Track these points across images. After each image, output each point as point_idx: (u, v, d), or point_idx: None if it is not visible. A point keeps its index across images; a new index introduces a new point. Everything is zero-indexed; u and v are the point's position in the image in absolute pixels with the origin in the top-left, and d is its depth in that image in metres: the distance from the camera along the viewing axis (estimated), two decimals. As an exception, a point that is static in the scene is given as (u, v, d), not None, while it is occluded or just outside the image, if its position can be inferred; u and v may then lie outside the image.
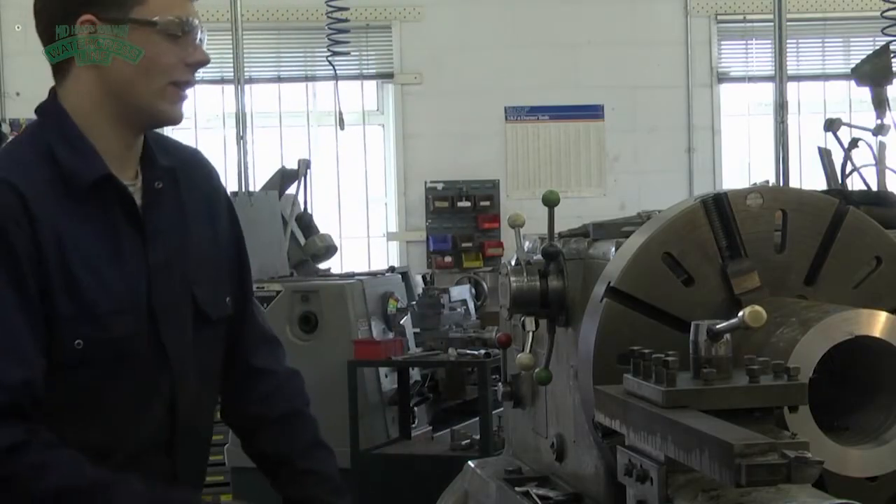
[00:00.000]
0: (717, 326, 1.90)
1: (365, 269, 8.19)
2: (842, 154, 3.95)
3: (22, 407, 1.99)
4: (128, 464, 2.11)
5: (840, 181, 3.87)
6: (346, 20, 7.31)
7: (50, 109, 2.17)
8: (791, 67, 7.18)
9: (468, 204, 9.13)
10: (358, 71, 9.08)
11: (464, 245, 9.19)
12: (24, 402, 1.99)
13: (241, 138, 6.78)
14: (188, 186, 2.26)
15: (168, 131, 7.95)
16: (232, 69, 6.64)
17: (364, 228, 9.48)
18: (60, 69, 2.15)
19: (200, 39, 2.18)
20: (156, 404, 2.17)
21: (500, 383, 2.88)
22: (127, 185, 2.15)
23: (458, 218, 9.20)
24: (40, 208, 2.04)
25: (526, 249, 2.58)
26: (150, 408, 2.16)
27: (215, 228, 2.31)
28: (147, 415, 2.16)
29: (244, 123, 6.75)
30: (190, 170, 2.29)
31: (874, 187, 3.91)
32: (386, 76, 9.12)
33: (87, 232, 2.08)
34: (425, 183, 9.15)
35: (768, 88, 7.97)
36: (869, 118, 4.78)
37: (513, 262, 2.48)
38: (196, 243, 2.25)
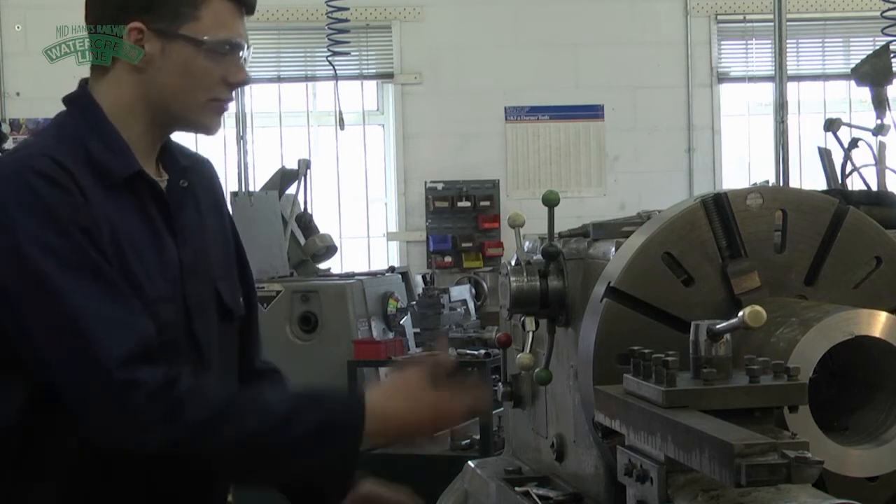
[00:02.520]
0: (717, 326, 1.90)
1: (365, 269, 8.19)
2: (842, 154, 3.95)
3: (152, 347, 2.00)
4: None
5: (840, 181, 3.87)
6: (346, 20, 7.31)
7: (82, 102, 2.17)
8: (791, 67, 7.18)
9: (468, 204, 9.13)
10: (358, 71, 9.08)
11: (464, 245, 9.19)
12: (151, 341, 2.01)
13: (241, 138, 6.78)
14: (201, 188, 2.28)
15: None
16: (232, 69, 6.65)
17: (364, 228, 9.48)
18: (98, 53, 2.16)
19: (245, 59, 2.18)
20: None
21: (500, 383, 2.88)
22: (157, 181, 2.17)
23: (458, 218, 9.20)
24: (90, 191, 2.04)
25: (526, 249, 2.58)
26: None
27: (224, 230, 2.33)
28: None
29: (244, 123, 6.76)
30: (200, 172, 2.31)
31: (874, 187, 3.91)
32: (386, 76, 9.12)
33: (128, 221, 2.09)
34: (425, 183, 9.15)
35: (768, 88, 7.97)
36: (869, 118, 4.78)
37: (513, 262, 2.48)
38: (213, 242, 2.26)
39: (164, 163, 2.22)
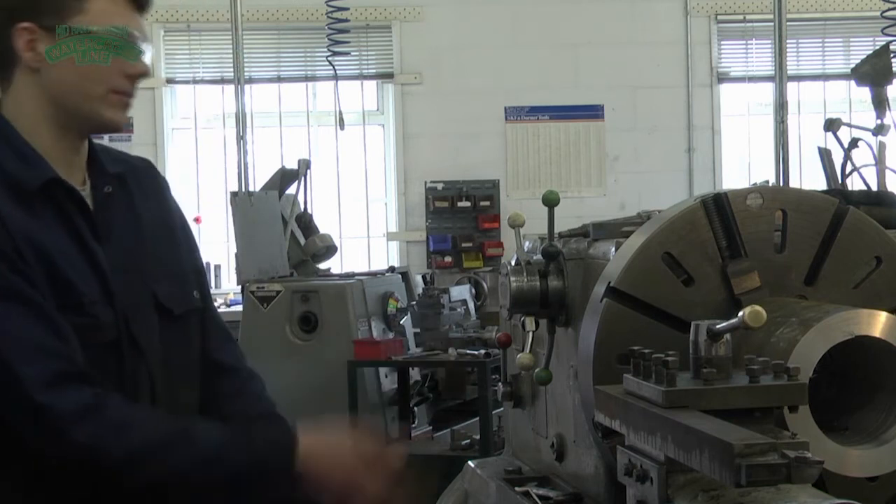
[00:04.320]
0: (717, 326, 1.90)
1: (365, 269, 8.19)
2: (842, 154, 3.94)
3: (85, 372, 2.02)
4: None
5: (840, 181, 3.87)
6: (346, 20, 7.31)
7: None
8: (791, 67, 7.18)
9: (468, 204, 9.13)
10: (358, 71, 9.08)
11: (464, 245, 9.19)
12: (78, 365, 2.02)
13: (241, 138, 6.78)
14: (140, 192, 2.28)
15: (168, 132, 7.92)
16: (232, 69, 6.65)
17: (364, 228, 9.48)
18: (4, 72, 2.16)
19: (142, 51, 2.19)
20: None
21: (500, 383, 2.88)
22: (78, 189, 2.17)
23: (458, 218, 9.20)
24: (4, 211, 2.05)
25: (526, 249, 2.58)
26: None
27: (170, 231, 2.34)
28: None
29: (244, 123, 6.76)
30: (140, 177, 2.32)
31: (874, 187, 3.91)
32: (386, 76, 9.12)
33: (49, 232, 2.10)
34: (425, 183, 9.15)
35: (768, 88, 7.97)
36: (869, 118, 4.78)
37: (513, 262, 2.48)
38: (152, 244, 2.26)
39: (90, 170, 2.23)
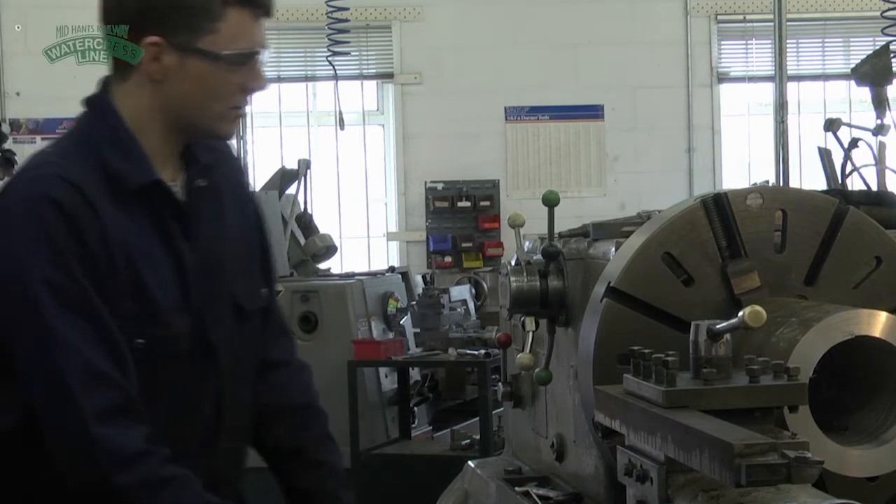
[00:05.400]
0: (717, 326, 1.90)
1: (365, 269, 8.19)
2: (842, 154, 3.94)
3: (136, 405, 2.01)
4: (174, 460, 2.11)
5: (840, 181, 3.87)
6: (346, 20, 7.32)
7: (101, 107, 2.16)
8: (791, 67, 7.18)
9: (468, 204, 9.13)
10: (358, 71, 9.08)
11: (464, 245, 9.19)
12: (135, 399, 2.01)
13: (241, 138, 6.78)
14: (223, 181, 2.26)
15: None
16: (232, 69, 6.66)
17: (364, 228, 9.48)
18: (121, 69, 2.13)
19: (263, 63, 2.16)
20: (204, 401, 2.17)
21: (500, 383, 2.88)
22: (171, 185, 2.15)
23: (458, 218, 9.20)
24: (103, 210, 2.04)
25: (526, 249, 2.58)
26: (199, 404, 2.17)
27: (246, 221, 2.31)
28: (196, 411, 2.17)
29: (244, 123, 6.75)
30: (223, 164, 2.29)
31: (874, 187, 3.91)
32: (386, 76, 9.13)
33: (142, 233, 2.09)
34: (425, 183, 9.16)
35: (768, 88, 7.97)
36: (869, 118, 4.78)
37: (513, 262, 2.48)
38: (233, 237, 2.25)
39: (185, 160, 2.20)
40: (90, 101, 2.19)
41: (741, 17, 9.16)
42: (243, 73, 2.12)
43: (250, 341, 2.29)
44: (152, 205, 2.11)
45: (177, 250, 2.12)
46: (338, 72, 7.66)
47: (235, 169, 2.36)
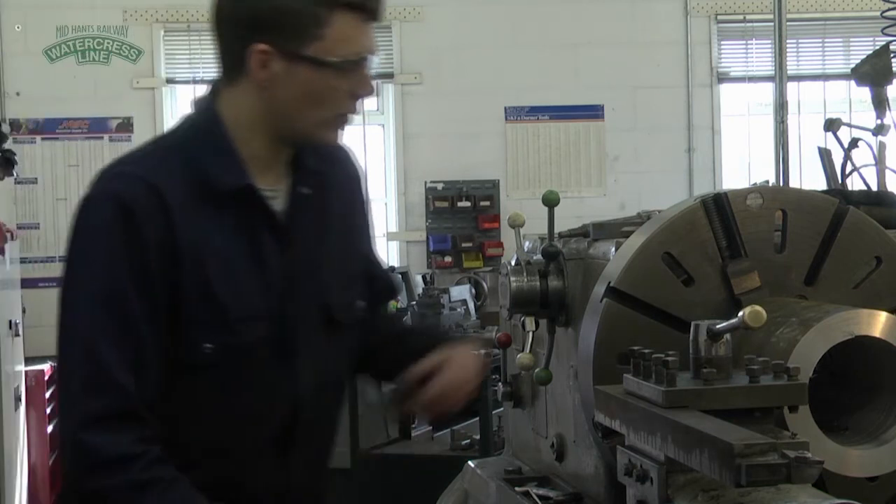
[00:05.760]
0: (717, 326, 1.90)
1: (365, 268, 8.16)
2: (842, 154, 3.94)
3: (136, 411, 2.00)
4: (242, 466, 2.12)
5: (840, 181, 3.87)
6: (346, 20, 7.31)
7: (206, 111, 2.14)
8: (791, 67, 7.17)
9: (468, 204, 9.12)
10: (358, 71, 9.09)
11: (464, 245, 9.19)
12: (138, 405, 2.00)
13: (241, 138, 6.78)
14: (334, 190, 2.24)
15: (166, 129, 7.84)
16: (232, 69, 6.66)
17: (364, 228, 9.45)
18: (229, 75, 2.12)
19: (370, 68, 2.15)
20: (278, 409, 2.15)
21: (500, 383, 2.89)
22: (268, 192, 2.13)
23: (458, 218, 9.20)
24: (180, 212, 2.02)
25: (526, 249, 2.58)
26: (271, 412, 2.15)
27: (352, 232, 2.29)
28: (268, 419, 2.15)
29: (244, 123, 6.75)
30: (339, 172, 2.27)
31: (874, 187, 3.91)
32: (386, 76, 9.12)
33: (225, 237, 2.07)
34: (425, 183, 9.15)
35: (768, 88, 7.97)
36: (869, 118, 4.78)
37: (513, 262, 2.48)
38: (334, 249, 2.22)
39: (293, 167, 2.18)
40: (197, 102, 2.18)
41: (741, 17, 9.16)
42: (350, 78, 2.10)
43: (341, 353, 2.27)
44: (243, 210, 2.09)
45: (263, 257, 2.10)
46: (338, 72, 7.65)
47: (351, 178, 2.32)
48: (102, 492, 1.99)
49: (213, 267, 2.05)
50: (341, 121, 2.16)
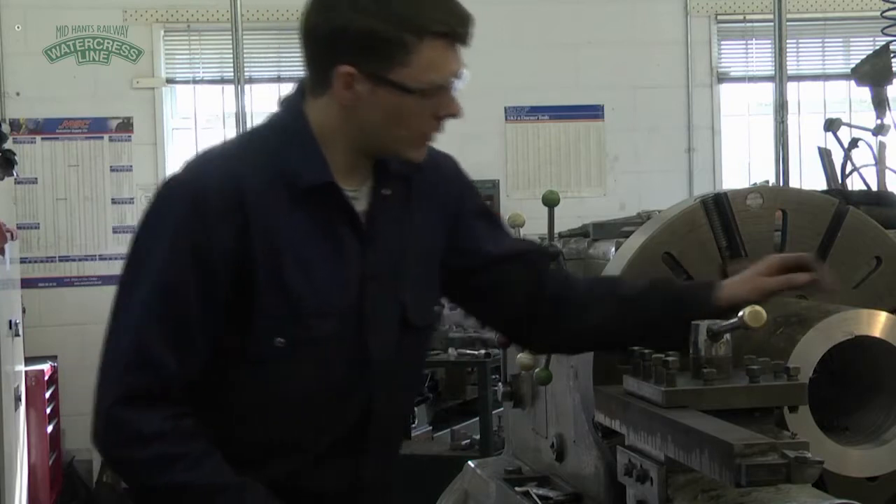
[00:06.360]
0: (717, 326, 1.90)
1: (365, 269, 8.15)
2: (842, 154, 3.94)
3: (173, 391, 2.02)
4: (313, 462, 2.12)
5: (840, 181, 3.87)
6: (346, 20, 7.32)
7: (291, 109, 2.16)
8: (791, 67, 7.17)
9: (468, 204, 9.11)
10: (358, 71, 9.10)
11: (464, 245, 9.17)
12: (174, 386, 2.02)
13: (241, 138, 6.78)
14: (419, 191, 2.22)
15: (168, 132, 7.84)
16: (232, 69, 6.65)
17: (364, 228, 9.45)
18: (314, 84, 2.11)
19: (457, 89, 2.12)
20: (350, 406, 2.15)
21: (500, 383, 2.89)
22: (350, 192, 2.13)
23: (458, 218, 9.19)
24: (260, 207, 2.04)
25: (526, 249, 2.57)
26: (343, 409, 2.15)
27: (437, 235, 2.26)
28: (339, 416, 2.15)
29: (244, 123, 6.75)
30: (426, 174, 2.25)
31: (874, 187, 3.91)
32: (386, 76, 9.13)
33: (304, 233, 2.07)
34: (425, 183, 9.14)
35: (768, 88, 7.96)
36: (869, 118, 4.78)
37: (513, 262, 2.47)
38: (414, 251, 2.21)
39: (377, 167, 2.18)
40: (284, 101, 2.19)
41: (741, 17, 9.15)
42: (436, 101, 2.09)
43: (415, 353, 2.27)
44: (324, 207, 2.09)
45: (341, 255, 2.10)
46: (338, 72, 7.66)
47: (445, 180, 2.31)
48: (132, 463, 2.03)
49: (289, 262, 2.06)
50: (424, 139, 2.16)
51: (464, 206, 2.31)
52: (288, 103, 2.18)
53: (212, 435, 2.05)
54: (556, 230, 2.52)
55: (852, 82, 5.95)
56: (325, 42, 2.07)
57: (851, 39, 9.35)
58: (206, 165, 2.11)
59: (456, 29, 2.08)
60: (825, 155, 3.96)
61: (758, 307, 1.88)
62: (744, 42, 9.28)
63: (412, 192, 2.21)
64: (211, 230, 2.01)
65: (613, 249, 2.38)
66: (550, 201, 2.48)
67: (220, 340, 2.06)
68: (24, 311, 6.80)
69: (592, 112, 9.20)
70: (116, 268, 7.85)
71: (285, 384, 2.09)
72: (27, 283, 7.26)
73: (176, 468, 2.00)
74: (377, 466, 2.23)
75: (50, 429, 6.98)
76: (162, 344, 2.01)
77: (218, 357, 2.06)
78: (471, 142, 9.08)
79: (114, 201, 7.81)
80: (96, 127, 7.87)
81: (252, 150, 2.12)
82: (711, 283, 2.18)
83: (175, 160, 8.18)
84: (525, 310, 2.27)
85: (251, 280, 2.03)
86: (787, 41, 5.59)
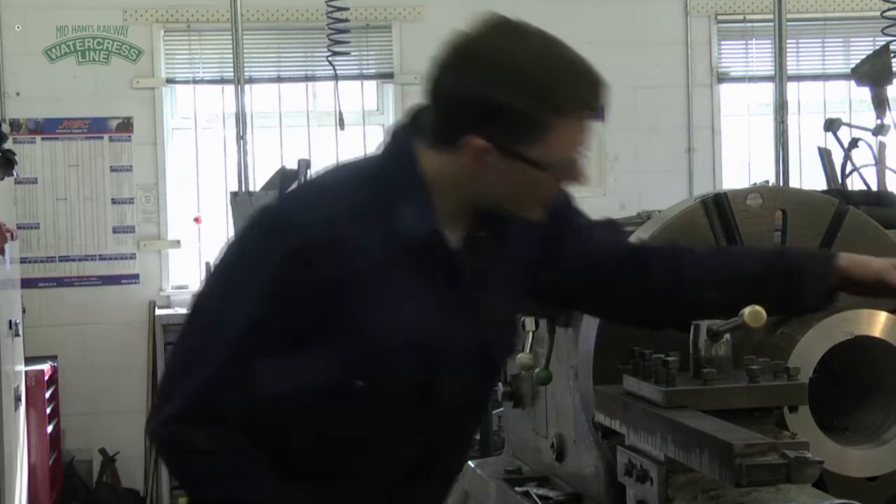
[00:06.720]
0: (717, 326, 1.90)
1: (365, 268, 8.15)
2: (842, 154, 3.94)
3: (234, 418, 2.01)
4: (372, 493, 2.12)
5: (840, 181, 3.87)
6: (346, 20, 7.31)
7: (405, 151, 2.07)
8: (791, 67, 7.16)
9: (468, 204, 9.11)
10: (358, 71, 9.08)
11: (464, 245, 9.18)
12: (239, 413, 2.01)
13: (241, 138, 6.78)
14: (515, 229, 2.15)
15: (168, 132, 7.83)
16: (232, 69, 6.65)
17: (364, 228, 9.44)
18: (437, 138, 2.03)
19: (585, 158, 2.06)
20: (416, 442, 2.14)
21: (500, 383, 2.88)
22: (447, 234, 2.07)
23: (458, 218, 9.19)
24: (358, 249, 1.99)
25: (526, 249, 2.57)
26: (409, 448, 2.14)
27: (532, 264, 2.21)
28: (405, 453, 2.14)
29: (244, 123, 6.75)
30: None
31: (874, 187, 3.91)
32: (386, 76, 9.12)
33: (397, 276, 2.03)
34: (425, 183, 9.15)
35: (768, 88, 7.96)
36: (869, 118, 4.78)
37: (513, 262, 2.47)
38: (504, 291, 2.17)
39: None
40: (394, 137, 2.12)
41: (741, 17, 9.15)
42: (563, 171, 2.05)
43: (487, 388, 2.27)
44: (423, 250, 2.05)
45: (432, 297, 2.06)
46: (338, 72, 7.65)
47: (550, 220, 2.20)
48: (177, 472, 2.07)
49: (378, 304, 2.02)
50: (546, 203, 2.11)
51: (561, 226, 2.26)
52: (399, 141, 2.11)
53: (268, 460, 2.04)
54: (557, 230, 2.51)
55: (852, 82, 5.95)
56: (459, 107, 1.99)
57: (851, 39, 9.35)
58: (310, 203, 2.05)
59: (597, 106, 2.04)
60: (825, 155, 3.96)
61: (758, 307, 1.88)
62: (744, 42, 9.27)
63: (508, 229, 2.14)
64: (306, 273, 1.97)
65: (613, 249, 2.37)
66: (550, 201, 2.47)
67: (297, 377, 2.04)
68: (24, 311, 6.80)
69: (592, 112, 9.18)
70: (116, 268, 7.90)
71: (356, 421, 2.07)
72: (27, 283, 7.25)
73: (218, 483, 2.02)
74: (437, 495, 2.24)
75: (50, 429, 6.98)
76: (236, 374, 2.00)
77: (293, 393, 2.05)
78: (471, 142, 9.07)
79: (114, 201, 7.81)
80: (96, 127, 7.87)
81: (360, 192, 2.05)
82: (829, 266, 2.10)
83: (175, 160, 8.18)
84: (637, 289, 2.19)
85: (338, 320, 2.00)
86: (787, 41, 5.60)
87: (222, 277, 2.07)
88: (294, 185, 2.14)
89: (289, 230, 2.00)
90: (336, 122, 7.88)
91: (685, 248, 2.21)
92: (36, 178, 7.75)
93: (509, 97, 1.95)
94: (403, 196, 2.04)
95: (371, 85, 9.33)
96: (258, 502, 2.03)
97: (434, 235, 2.05)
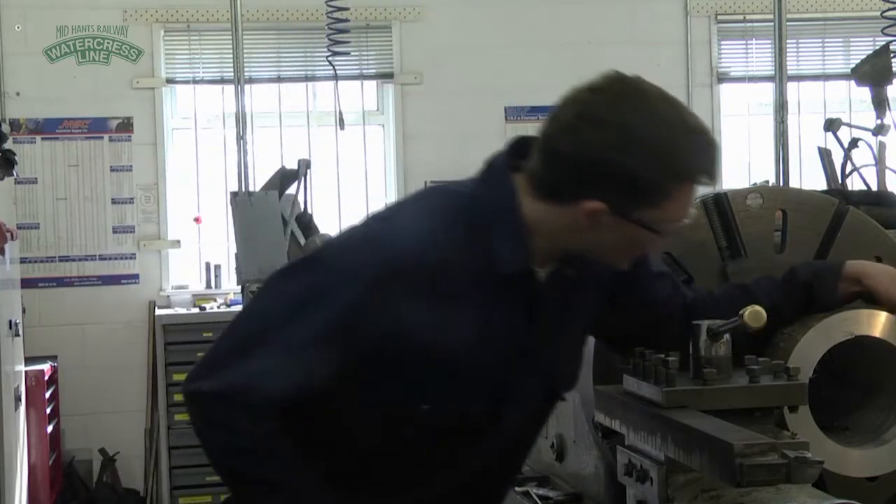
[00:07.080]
0: (717, 326, 1.90)
1: (365, 269, 8.14)
2: (842, 154, 3.94)
3: (276, 412, 2.00)
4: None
5: (840, 181, 3.87)
6: (346, 20, 7.31)
7: (506, 189, 2.07)
8: (791, 67, 7.17)
9: (468, 204, 9.10)
10: (358, 71, 9.08)
11: (464, 245, 9.16)
12: (281, 412, 2.00)
13: (241, 138, 6.78)
14: (596, 271, 2.15)
15: (168, 132, 7.84)
16: (232, 69, 6.65)
17: (364, 228, 9.43)
18: (546, 192, 2.02)
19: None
20: (471, 468, 2.15)
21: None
22: (537, 272, 2.08)
23: (458, 218, 9.18)
24: (446, 283, 1.99)
25: (526, 249, 2.57)
26: (464, 470, 2.15)
27: (601, 298, 2.20)
28: (460, 475, 2.15)
29: (244, 123, 6.75)
30: None
31: (874, 187, 3.91)
32: (386, 76, 9.12)
33: (480, 307, 2.03)
34: (425, 183, 9.14)
35: (768, 88, 7.96)
36: (869, 118, 4.78)
37: (513, 262, 2.47)
38: (575, 324, 2.17)
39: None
40: (493, 168, 2.14)
41: (741, 17, 9.15)
42: (670, 233, 2.04)
43: (546, 416, 2.27)
44: (510, 286, 2.05)
45: (507, 332, 2.06)
46: (338, 72, 7.65)
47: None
48: (202, 438, 2.03)
49: (455, 334, 2.02)
50: (640, 255, 2.12)
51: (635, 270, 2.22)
52: (498, 175, 2.12)
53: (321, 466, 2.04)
54: (557, 230, 2.52)
55: (852, 82, 5.95)
56: (579, 169, 1.97)
57: (851, 39, 9.35)
58: (404, 234, 2.04)
59: (714, 174, 2.03)
60: (825, 155, 3.96)
61: (758, 307, 1.88)
62: (744, 42, 9.28)
63: (589, 268, 2.13)
64: (389, 295, 1.97)
65: (613, 249, 2.37)
66: (550, 201, 2.47)
67: (361, 397, 2.04)
68: (24, 311, 6.80)
69: (592, 112, 9.18)
70: (116, 268, 7.92)
71: (418, 444, 2.08)
72: (27, 283, 7.26)
73: (245, 459, 2.00)
74: None
75: (50, 429, 6.98)
76: (295, 373, 2.00)
77: (355, 413, 2.06)
78: (471, 142, 9.08)
79: (114, 201, 7.81)
80: (96, 127, 7.87)
81: (454, 223, 2.05)
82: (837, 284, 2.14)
83: (175, 160, 8.18)
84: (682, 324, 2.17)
85: (412, 343, 2.00)
86: (787, 41, 5.59)
87: (306, 291, 2.02)
88: (385, 209, 2.13)
89: (380, 252, 1.99)
90: (336, 122, 7.87)
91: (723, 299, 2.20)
92: (36, 178, 7.75)
93: (633, 165, 1.94)
94: (502, 234, 2.03)
95: (371, 85, 9.32)
96: (289, 485, 2.01)
97: (527, 274, 2.05)
